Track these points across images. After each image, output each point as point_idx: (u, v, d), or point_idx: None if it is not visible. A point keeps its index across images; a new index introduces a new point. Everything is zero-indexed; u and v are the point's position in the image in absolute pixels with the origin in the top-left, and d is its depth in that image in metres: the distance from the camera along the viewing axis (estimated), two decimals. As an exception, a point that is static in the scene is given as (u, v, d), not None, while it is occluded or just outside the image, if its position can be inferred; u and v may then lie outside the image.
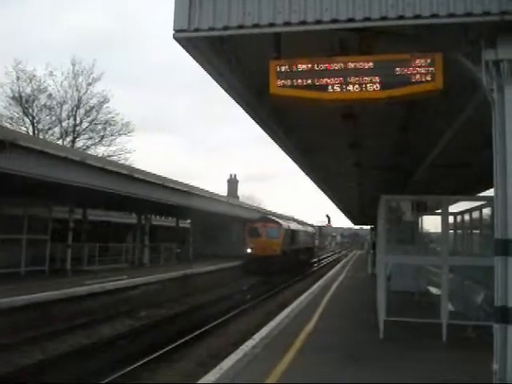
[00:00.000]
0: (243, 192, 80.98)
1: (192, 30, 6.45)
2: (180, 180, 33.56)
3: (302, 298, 17.60)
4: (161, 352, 12.98)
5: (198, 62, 7.32)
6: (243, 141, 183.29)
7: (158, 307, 21.68)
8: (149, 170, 29.00)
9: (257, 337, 10.42)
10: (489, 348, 9.57)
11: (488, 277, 11.55)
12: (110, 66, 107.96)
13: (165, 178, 29.90)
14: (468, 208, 12.46)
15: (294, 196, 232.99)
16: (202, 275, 32.04)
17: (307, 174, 22.70)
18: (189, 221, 46.44)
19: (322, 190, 30.19)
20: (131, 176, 25.42)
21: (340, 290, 20.80)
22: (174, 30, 6.50)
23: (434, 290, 16.81)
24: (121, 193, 24.79)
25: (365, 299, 17.16)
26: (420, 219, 16.63)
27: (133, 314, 19.76)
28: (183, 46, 6.67)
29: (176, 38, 6.45)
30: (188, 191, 33.04)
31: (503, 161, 5.70)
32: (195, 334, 15.48)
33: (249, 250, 40.50)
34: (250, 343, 9.87)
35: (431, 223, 16.30)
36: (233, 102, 9.96)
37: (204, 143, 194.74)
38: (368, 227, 66.83)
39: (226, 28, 6.45)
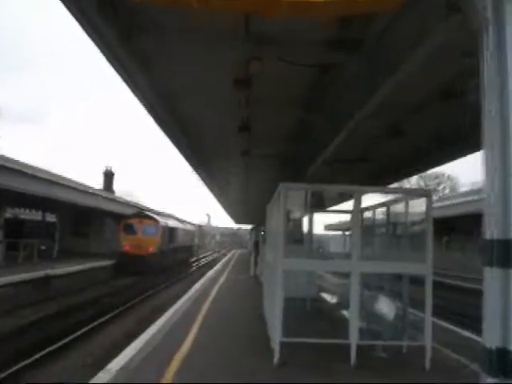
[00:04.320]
0: (122, 187, 76.85)
1: None
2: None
3: (177, 305, 15.04)
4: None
5: None
6: (123, 132, 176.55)
7: (6, 315, 18.13)
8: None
9: (113, 366, 7.67)
10: (402, 373, 7.89)
11: (399, 286, 9.99)
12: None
13: (21, 163, 25.76)
14: (376, 203, 10.70)
15: (176, 194, 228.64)
16: (67, 276, 28.39)
17: (190, 163, 20.47)
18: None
19: (206, 184, 28.10)
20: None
21: (221, 295, 18.45)
22: None
23: (327, 296, 15.20)
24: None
25: (249, 306, 15.05)
26: (310, 217, 14.75)
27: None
28: None
29: None
30: (51, 180, 29.06)
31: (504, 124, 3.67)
32: (45, 351, 12.72)
33: (123, 248, 37.29)
34: (103, 377, 7.19)
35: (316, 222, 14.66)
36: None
37: (80, 134, 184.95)
38: (248, 226, 65.97)
39: None
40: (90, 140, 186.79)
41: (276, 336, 8.31)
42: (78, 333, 15.03)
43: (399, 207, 9.71)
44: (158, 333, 10.57)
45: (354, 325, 8.29)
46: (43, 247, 37.80)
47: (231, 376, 7.58)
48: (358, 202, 8.48)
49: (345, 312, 11.21)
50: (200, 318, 12.58)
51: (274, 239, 10.55)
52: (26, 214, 45.45)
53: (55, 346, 13.33)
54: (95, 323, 16.87)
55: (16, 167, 24.65)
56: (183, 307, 14.77)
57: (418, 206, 8.88)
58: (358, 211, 8.53)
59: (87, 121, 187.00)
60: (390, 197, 10.41)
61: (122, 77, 10.11)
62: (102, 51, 8.64)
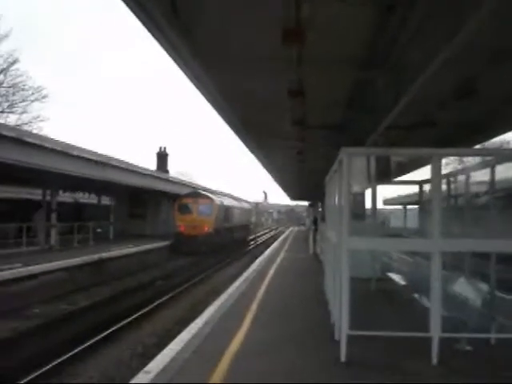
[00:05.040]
0: (176, 167, 76.78)
1: None
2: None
3: (231, 289, 14.00)
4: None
5: None
6: (174, 111, 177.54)
7: (57, 301, 17.75)
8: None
9: (153, 368, 6.58)
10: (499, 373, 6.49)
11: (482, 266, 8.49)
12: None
13: (69, 145, 25.09)
14: (453, 170, 9.13)
15: (231, 172, 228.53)
16: (122, 258, 27.87)
17: (240, 136, 19.35)
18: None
19: (258, 158, 26.90)
20: (20, 140, 20.29)
21: (279, 277, 17.22)
22: None
23: (395, 276, 13.76)
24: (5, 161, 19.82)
25: (310, 289, 13.81)
26: (373, 189, 13.29)
27: (24, 312, 15.94)
28: None
29: None
30: (103, 161, 28.42)
31: None
32: (89, 343, 12.05)
33: (178, 229, 36.81)
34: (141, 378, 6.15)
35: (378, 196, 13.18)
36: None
37: (135, 117, 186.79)
38: (305, 203, 64.63)
39: None
40: (140, 121, 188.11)
41: (343, 328, 7.00)
42: (125, 321, 14.39)
43: (483, 173, 8.15)
44: (210, 321, 9.56)
45: (437, 315, 6.85)
46: (99, 230, 37.65)
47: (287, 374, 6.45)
48: (437, 168, 6.93)
49: (416, 295, 9.89)
50: (255, 306, 11.37)
51: (335, 215, 9.19)
52: (84, 198, 45.63)
53: (104, 334, 12.72)
54: (146, 309, 16.14)
55: (59, 149, 23.85)
56: (238, 290, 13.76)
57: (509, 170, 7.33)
58: (438, 179, 6.98)
59: (130, 102, 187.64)
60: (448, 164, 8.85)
61: (166, 51, 9.12)
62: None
